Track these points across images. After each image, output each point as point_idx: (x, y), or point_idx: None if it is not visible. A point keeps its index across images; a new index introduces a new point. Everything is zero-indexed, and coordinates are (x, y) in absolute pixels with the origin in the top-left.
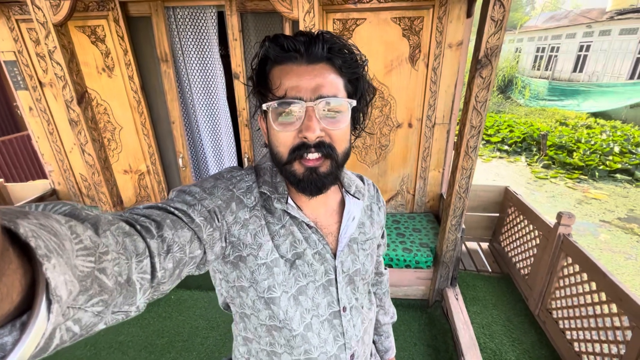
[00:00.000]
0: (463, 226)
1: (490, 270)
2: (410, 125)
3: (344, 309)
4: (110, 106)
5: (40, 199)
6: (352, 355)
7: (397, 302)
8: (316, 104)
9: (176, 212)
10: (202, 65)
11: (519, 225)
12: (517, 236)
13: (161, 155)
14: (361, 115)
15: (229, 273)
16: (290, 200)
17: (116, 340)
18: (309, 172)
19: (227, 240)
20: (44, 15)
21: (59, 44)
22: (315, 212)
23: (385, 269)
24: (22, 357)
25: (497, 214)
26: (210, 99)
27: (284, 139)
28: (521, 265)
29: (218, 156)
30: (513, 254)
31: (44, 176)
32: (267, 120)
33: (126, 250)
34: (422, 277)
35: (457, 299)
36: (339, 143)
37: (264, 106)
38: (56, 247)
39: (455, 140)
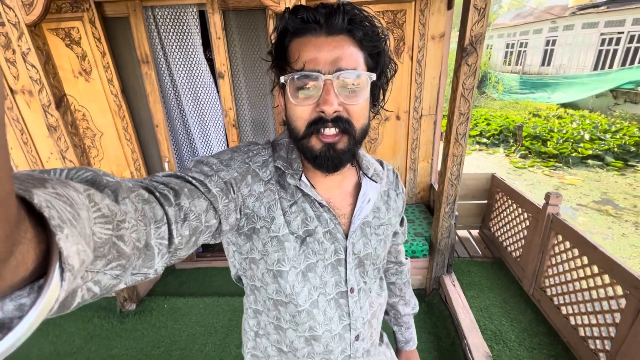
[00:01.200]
0: (456, 213)
1: (482, 255)
2: (398, 118)
3: (352, 290)
4: (89, 111)
5: None
6: (357, 337)
7: None
8: (335, 77)
9: (194, 181)
10: (187, 64)
11: (508, 210)
12: (506, 221)
13: (145, 160)
14: (381, 91)
15: (242, 245)
16: (304, 178)
17: (109, 354)
18: (327, 148)
19: (242, 212)
20: (15, 15)
21: (34, 46)
22: (330, 192)
23: (406, 258)
24: (37, 318)
25: (486, 201)
26: (198, 99)
27: (301, 113)
28: (512, 249)
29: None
30: (504, 239)
31: None
32: (285, 95)
33: (145, 217)
34: (418, 267)
35: (454, 285)
36: (357, 119)
37: (282, 79)
38: (70, 217)
39: (444, 129)
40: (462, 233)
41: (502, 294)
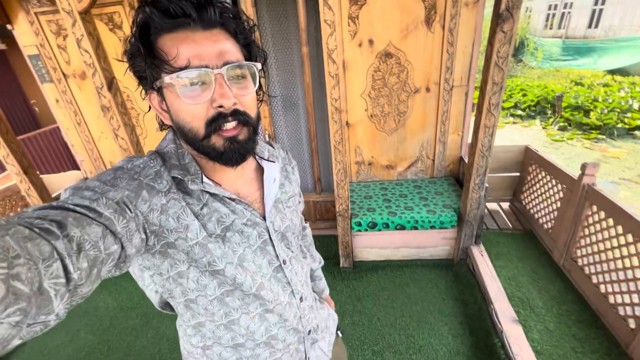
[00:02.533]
0: (486, 184)
1: (512, 228)
2: (428, 90)
3: (284, 262)
4: (132, 93)
5: None
6: (301, 298)
7: (423, 263)
8: (224, 70)
9: (77, 208)
10: None
11: (541, 182)
12: (539, 193)
13: None
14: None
15: (159, 264)
16: (206, 179)
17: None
18: (230, 143)
19: (148, 231)
20: (69, 3)
21: (86, 32)
22: (235, 184)
23: (306, 222)
24: None
25: (518, 174)
26: None
27: (197, 112)
28: (544, 220)
29: None
30: (535, 211)
31: (76, 167)
32: (167, 97)
33: (31, 255)
34: (447, 237)
35: (482, 254)
36: (250, 109)
37: (167, 79)
38: None
39: (476, 100)
40: (492, 206)
41: (531, 264)
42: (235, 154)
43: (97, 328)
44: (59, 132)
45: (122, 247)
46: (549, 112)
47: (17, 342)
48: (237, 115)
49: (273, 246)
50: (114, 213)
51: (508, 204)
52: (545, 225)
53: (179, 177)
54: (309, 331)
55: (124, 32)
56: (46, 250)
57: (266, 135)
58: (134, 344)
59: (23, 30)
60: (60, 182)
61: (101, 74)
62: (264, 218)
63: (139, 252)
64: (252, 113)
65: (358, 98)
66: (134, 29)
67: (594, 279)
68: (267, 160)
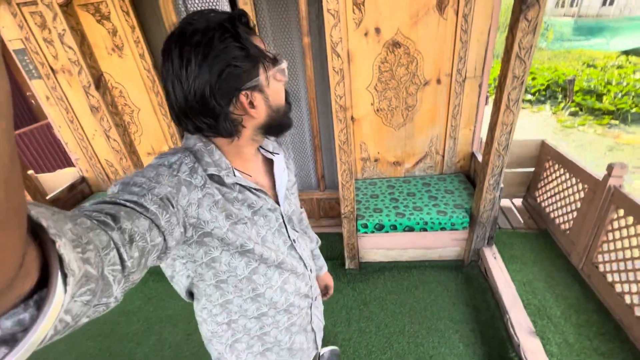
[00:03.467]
0: (501, 185)
1: (526, 226)
2: (438, 82)
3: (294, 241)
4: (125, 88)
5: (72, 187)
6: (311, 270)
7: (432, 264)
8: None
9: (128, 203)
10: None
11: (559, 180)
12: (556, 191)
13: (183, 134)
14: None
15: (194, 253)
16: (237, 173)
17: (165, 314)
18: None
19: (187, 224)
20: None
21: (68, 26)
22: (255, 176)
23: (301, 207)
24: (45, 326)
25: (532, 169)
26: None
27: (283, 91)
28: (561, 221)
29: None
30: (551, 209)
31: (71, 164)
32: (270, 86)
33: (93, 244)
34: (457, 238)
35: (495, 258)
36: None
37: (273, 71)
38: (59, 230)
39: (492, 94)
40: (505, 202)
41: (547, 268)
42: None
43: (98, 334)
44: (48, 130)
45: (165, 240)
46: (560, 96)
47: (85, 319)
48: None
49: (286, 228)
50: (158, 208)
51: (521, 200)
52: (562, 226)
53: (216, 173)
54: (315, 297)
55: (112, 24)
56: (104, 239)
57: None
58: (136, 351)
59: (6, 23)
60: (55, 181)
61: (87, 71)
62: (277, 204)
63: (178, 244)
64: None
65: (363, 91)
66: (236, 42)
67: (618, 288)
68: (273, 153)
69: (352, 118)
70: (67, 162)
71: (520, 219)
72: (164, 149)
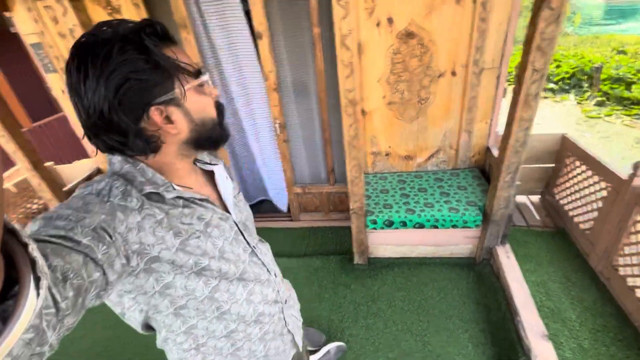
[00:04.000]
0: (518, 182)
1: (542, 224)
2: (453, 74)
3: (254, 247)
4: None
5: (88, 178)
6: (275, 274)
7: (443, 261)
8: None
9: (53, 239)
10: (225, 25)
11: (580, 177)
12: (576, 188)
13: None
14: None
15: (143, 284)
16: (177, 187)
17: None
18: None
19: (130, 252)
20: None
21: (79, 21)
22: (198, 189)
23: None
24: (17, 332)
25: (552, 165)
26: (236, 59)
27: (210, 104)
28: (581, 220)
29: (251, 119)
30: (570, 208)
31: (87, 155)
32: (189, 100)
33: None
34: (469, 236)
35: (508, 257)
36: None
37: (205, 77)
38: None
39: (511, 86)
40: (521, 198)
41: (563, 268)
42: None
43: (114, 323)
44: (66, 121)
45: (104, 274)
46: (585, 85)
47: None
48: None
49: (243, 235)
50: (92, 240)
51: (539, 197)
52: (581, 225)
53: (154, 190)
54: (285, 300)
55: (121, 16)
56: None
57: (277, 125)
58: (152, 337)
59: (22, 18)
60: (73, 173)
61: None
62: (228, 212)
63: (120, 277)
64: None
65: (375, 84)
66: (140, 55)
67: (638, 292)
68: (210, 164)
69: (362, 111)
70: (84, 154)
71: (537, 217)
72: None
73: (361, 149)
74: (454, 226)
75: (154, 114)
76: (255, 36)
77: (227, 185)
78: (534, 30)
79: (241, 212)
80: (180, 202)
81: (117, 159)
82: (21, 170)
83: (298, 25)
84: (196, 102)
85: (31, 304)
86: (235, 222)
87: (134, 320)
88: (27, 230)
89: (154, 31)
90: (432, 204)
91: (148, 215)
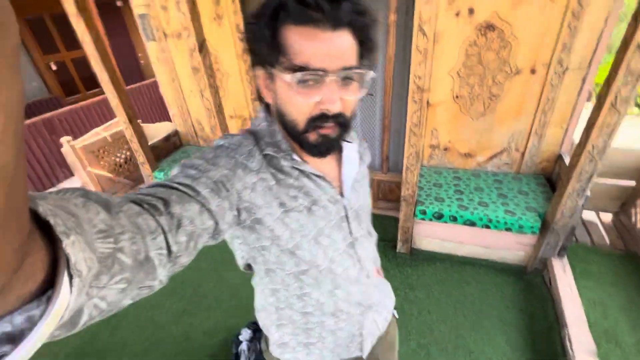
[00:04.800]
0: (588, 193)
1: (610, 245)
2: (532, 72)
3: (356, 239)
4: (219, 55)
5: (167, 138)
6: (367, 275)
7: (489, 264)
8: (340, 75)
9: (180, 187)
10: None
11: None
12: None
13: (261, 102)
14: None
15: (247, 236)
16: (296, 157)
17: (228, 257)
18: (322, 139)
19: (241, 207)
20: None
21: None
22: (318, 162)
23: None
24: (47, 328)
25: (633, 183)
26: None
27: (303, 108)
28: None
29: None
30: None
31: (168, 118)
32: (277, 82)
33: (140, 229)
34: (523, 242)
35: (564, 271)
36: (349, 109)
37: (289, 78)
38: (74, 225)
39: (596, 89)
40: (589, 215)
41: (628, 291)
42: (324, 148)
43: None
44: (157, 86)
45: (216, 223)
46: None
47: (129, 301)
48: (338, 117)
49: (348, 223)
50: (210, 192)
51: (611, 216)
52: None
53: (272, 153)
54: (370, 305)
55: None
56: (152, 225)
57: None
58: (201, 286)
59: None
60: (155, 131)
61: (194, 36)
62: (342, 195)
63: (231, 227)
64: (349, 113)
65: (445, 75)
66: (264, 8)
67: None
68: (346, 140)
69: (427, 102)
70: (166, 117)
71: (606, 237)
72: (244, 113)
73: (421, 138)
74: (508, 229)
75: (259, 72)
76: None
77: (351, 166)
78: (634, 27)
79: (358, 199)
80: (295, 173)
81: (262, 114)
82: (119, 122)
83: (374, 10)
84: (281, 90)
85: (62, 302)
86: (344, 207)
87: (240, 260)
88: (171, 172)
89: (303, 2)
90: (487, 204)
91: (262, 179)
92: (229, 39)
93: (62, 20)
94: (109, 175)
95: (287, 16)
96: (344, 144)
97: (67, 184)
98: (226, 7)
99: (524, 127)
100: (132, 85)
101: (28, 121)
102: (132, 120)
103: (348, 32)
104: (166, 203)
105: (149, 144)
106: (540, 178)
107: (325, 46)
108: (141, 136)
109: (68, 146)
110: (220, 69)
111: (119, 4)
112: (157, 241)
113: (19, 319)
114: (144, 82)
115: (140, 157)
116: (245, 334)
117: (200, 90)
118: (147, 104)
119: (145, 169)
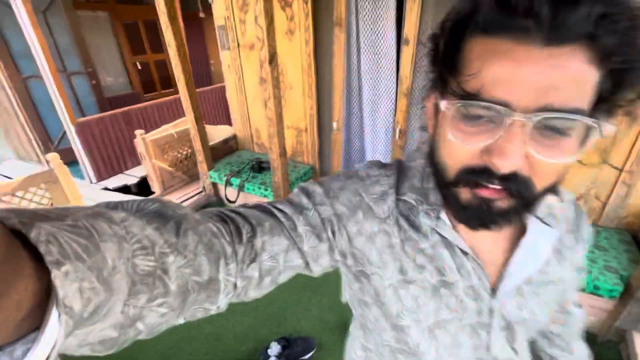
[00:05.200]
0: None
1: None
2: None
3: (496, 358)
4: (286, 67)
5: (225, 141)
6: None
7: None
8: (534, 119)
9: (279, 215)
10: (374, 26)
11: None
12: None
13: (319, 116)
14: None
15: (351, 281)
16: (443, 216)
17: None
18: (479, 202)
19: (347, 252)
20: None
21: (264, 10)
22: (473, 233)
23: (580, 306)
24: None
25: None
26: (376, 63)
27: (459, 154)
28: None
29: (372, 124)
30: None
31: (229, 123)
32: (439, 115)
33: (211, 251)
34: (596, 307)
35: None
36: (544, 177)
37: (443, 105)
38: (80, 250)
39: None
40: None
41: None
42: (479, 218)
43: (262, 302)
44: (224, 91)
45: (307, 263)
46: None
47: (181, 321)
48: (511, 181)
49: (488, 334)
50: (309, 231)
51: None
52: None
53: (413, 202)
54: None
55: (292, 10)
56: (229, 250)
57: (397, 130)
58: (286, 314)
59: (219, 5)
60: (215, 134)
61: (267, 48)
62: (493, 293)
63: (325, 270)
64: (542, 183)
65: None
66: (452, 13)
67: None
68: (541, 220)
69: None
70: (226, 120)
71: None
72: (301, 125)
73: None
74: (581, 289)
75: (432, 96)
76: (400, 42)
77: (532, 258)
78: None
79: (521, 308)
80: (434, 237)
81: (425, 146)
82: (187, 121)
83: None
84: (440, 124)
85: (48, 340)
86: (490, 311)
87: (343, 290)
88: (294, 191)
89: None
90: None
91: (385, 232)
92: (297, 54)
93: (152, 26)
94: (170, 169)
95: (478, 24)
96: (535, 225)
97: (134, 172)
98: (299, 23)
99: (609, 175)
100: (202, 89)
101: (110, 112)
102: (198, 120)
103: (579, 49)
104: (254, 231)
105: (211, 143)
106: (625, 234)
107: (520, 68)
108: (203, 136)
109: (140, 138)
110: (284, 81)
111: (201, 15)
112: (230, 267)
113: (19, 351)
114: (212, 87)
115: (200, 156)
116: (275, 349)
117: (265, 99)
118: (212, 107)
119: (202, 167)
